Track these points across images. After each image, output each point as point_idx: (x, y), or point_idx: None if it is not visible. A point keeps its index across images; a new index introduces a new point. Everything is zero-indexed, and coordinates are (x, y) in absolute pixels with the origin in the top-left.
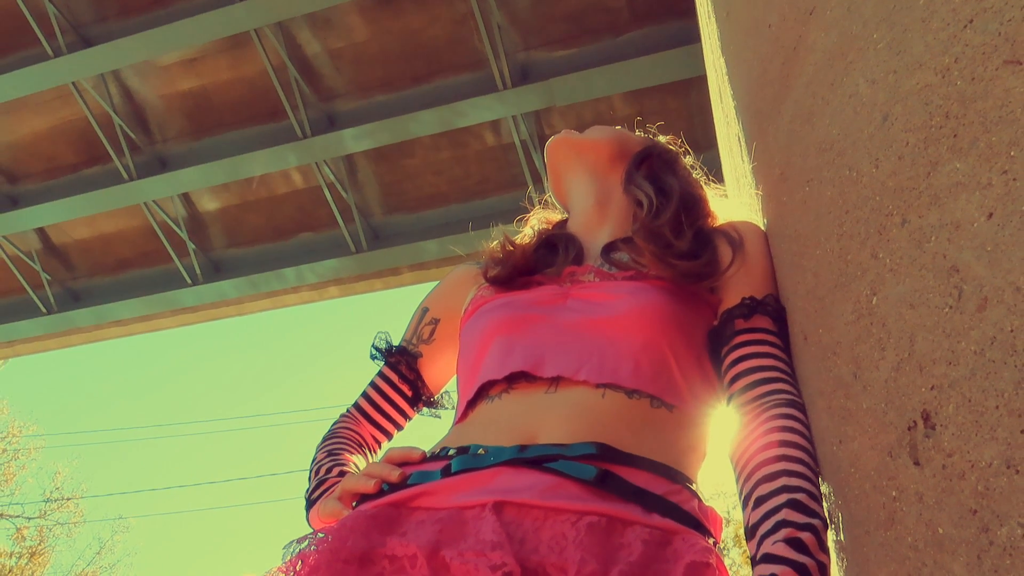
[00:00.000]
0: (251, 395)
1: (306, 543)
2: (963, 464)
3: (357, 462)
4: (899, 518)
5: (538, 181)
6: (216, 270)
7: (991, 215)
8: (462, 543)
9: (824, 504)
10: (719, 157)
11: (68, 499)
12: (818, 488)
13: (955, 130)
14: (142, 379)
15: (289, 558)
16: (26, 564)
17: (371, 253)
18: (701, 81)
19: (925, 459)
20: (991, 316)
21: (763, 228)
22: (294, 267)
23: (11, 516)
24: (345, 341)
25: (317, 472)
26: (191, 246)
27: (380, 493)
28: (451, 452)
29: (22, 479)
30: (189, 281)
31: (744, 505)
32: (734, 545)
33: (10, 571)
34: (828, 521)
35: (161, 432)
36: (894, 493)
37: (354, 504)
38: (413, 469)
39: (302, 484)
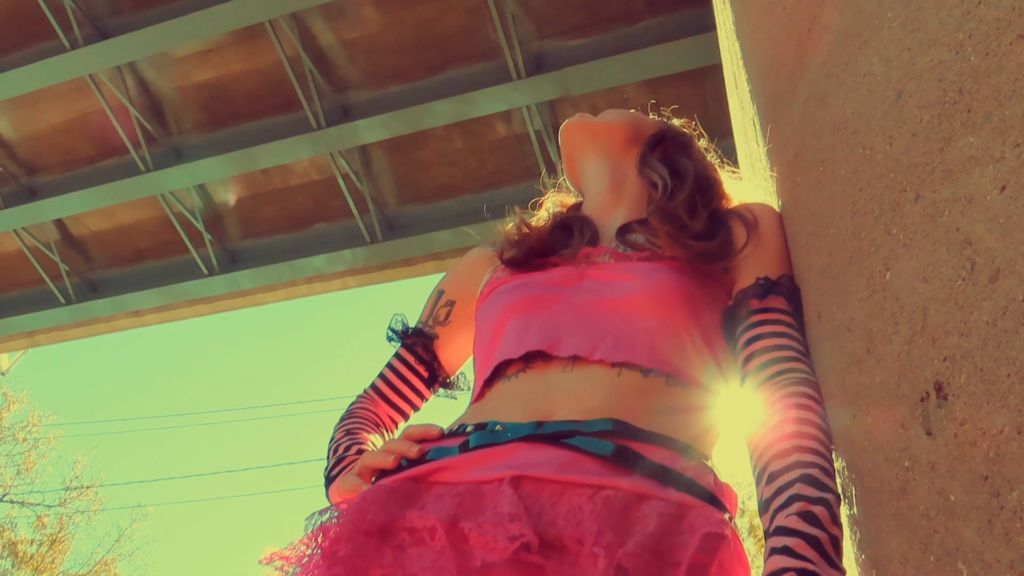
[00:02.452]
0: (267, 385)
1: (327, 515)
2: (975, 432)
3: (374, 441)
4: (912, 488)
5: (553, 171)
6: (232, 261)
7: (1004, 188)
8: (480, 515)
9: (838, 479)
10: (734, 145)
11: (87, 487)
12: (831, 464)
13: (969, 105)
14: (160, 369)
15: (311, 530)
16: (47, 551)
17: (386, 243)
18: (716, 69)
19: (937, 429)
20: (1003, 287)
21: (777, 210)
22: (309, 258)
23: (32, 504)
24: (361, 331)
25: (335, 451)
26: (207, 237)
27: (399, 468)
28: (469, 429)
29: (42, 468)
30: (205, 272)
31: (758, 481)
32: (748, 535)
33: (31, 558)
34: (841, 496)
35: (179, 421)
36: (907, 463)
37: (373, 480)
38: (431, 445)
39: (318, 473)
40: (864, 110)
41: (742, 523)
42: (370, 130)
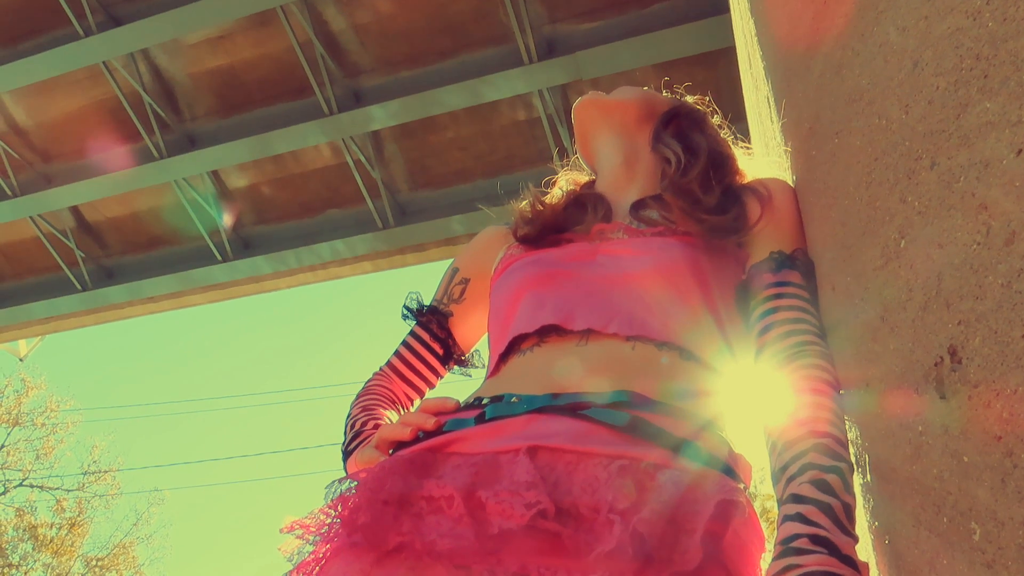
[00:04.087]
0: (281, 370)
1: (346, 485)
2: (989, 393)
3: (391, 417)
4: (925, 451)
5: (565, 156)
6: (245, 247)
7: (1020, 151)
8: (497, 484)
9: (851, 449)
10: (748, 129)
11: (105, 472)
12: (845, 435)
13: (985, 71)
14: (175, 354)
15: (330, 500)
16: (66, 535)
17: (398, 229)
18: (729, 53)
19: (951, 392)
20: (1019, 249)
21: (792, 185)
22: (322, 243)
23: (51, 488)
24: (373, 316)
25: (353, 426)
26: (220, 223)
27: (416, 440)
28: (485, 401)
29: (61, 453)
30: (219, 258)
31: (771, 452)
32: (760, 518)
33: (51, 541)
34: (854, 465)
35: (195, 406)
36: (920, 428)
37: (391, 452)
38: (448, 417)
39: (333, 457)
40: (880, 80)
41: (754, 506)
42: (382, 115)
